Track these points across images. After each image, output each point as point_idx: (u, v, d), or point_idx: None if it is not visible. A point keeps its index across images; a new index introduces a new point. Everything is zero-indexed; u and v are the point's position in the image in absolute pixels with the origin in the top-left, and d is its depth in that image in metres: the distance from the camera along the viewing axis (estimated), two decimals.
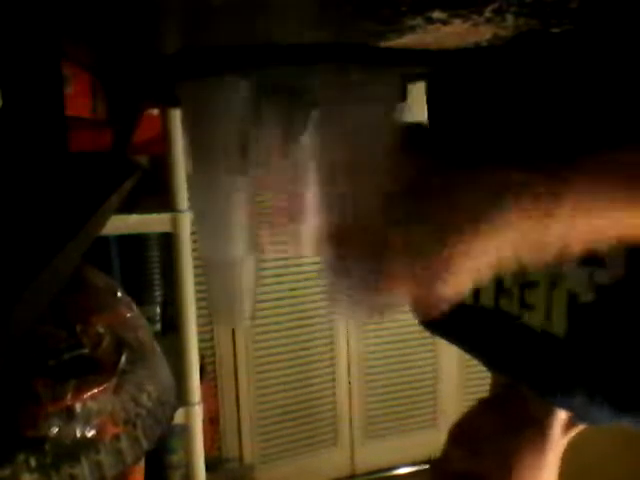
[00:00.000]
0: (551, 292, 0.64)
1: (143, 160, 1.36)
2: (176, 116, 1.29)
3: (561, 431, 0.70)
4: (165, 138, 1.28)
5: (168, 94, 1.04)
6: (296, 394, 2.33)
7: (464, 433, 0.73)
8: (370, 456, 2.44)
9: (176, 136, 1.28)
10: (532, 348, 0.68)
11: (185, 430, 1.33)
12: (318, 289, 2.27)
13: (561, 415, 0.70)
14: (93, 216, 0.47)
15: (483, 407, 0.75)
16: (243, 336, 2.24)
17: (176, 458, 1.70)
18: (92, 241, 0.48)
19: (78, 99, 0.60)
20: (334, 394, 2.40)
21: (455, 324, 0.76)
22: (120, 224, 1.22)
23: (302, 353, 2.32)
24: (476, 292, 0.71)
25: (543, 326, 0.65)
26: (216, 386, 2.22)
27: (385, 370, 2.44)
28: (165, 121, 1.28)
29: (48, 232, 0.40)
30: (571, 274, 0.62)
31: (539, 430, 0.69)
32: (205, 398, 1.43)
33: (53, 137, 0.52)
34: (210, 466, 1.49)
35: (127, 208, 1.17)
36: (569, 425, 0.70)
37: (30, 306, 0.28)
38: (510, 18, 0.48)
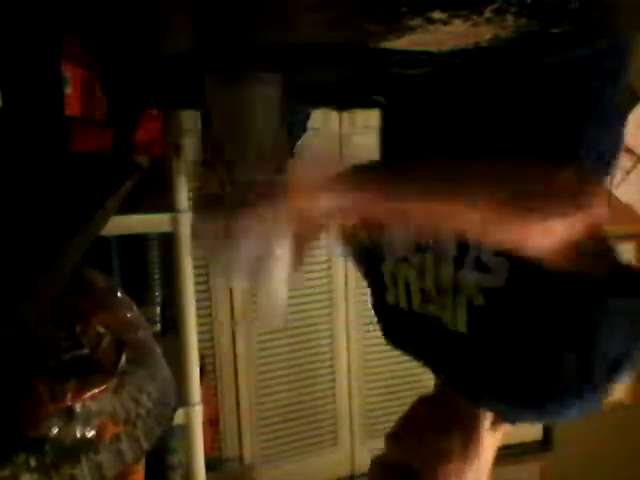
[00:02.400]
0: (455, 297, 0.72)
1: (144, 160, 1.35)
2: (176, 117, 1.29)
3: (490, 427, 0.73)
4: (165, 139, 1.28)
5: (169, 95, 1.03)
6: (296, 394, 2.33)
7: (401, 427, 0.78)
8: (370, 456, 2.43)
9: (176, 137, 1.28)
10: (452, 349, 0.74)
11: (185, 430, 1.33)
12: (318, 289, 2.27)
13: (488, 412, 0.73)
14: (93, 216, 0.48)
15: (421, 404, 0.79)
16: (243, 336, 2.24)
17: (176, 458, 1.70)
18: (92, 241, 0.48)
19: (78, 99, 0.60)
20: (334, 394, 2.40)
21: (398, 331, 0.84)
22: (120, 224, 1.21)
23: (302, 353, 2.32)
24: (408, 299, 0.79)
25: (451, 327, 0.73)
26: (216, 386, 2.22)
27: (385, 370, 2.44)
28: (165, 122, 1.28)
29: (49, 232, 0.40)
30: (466, 280, 0.70)
31: (468, 426, 0.73)
32: (205, 398, 1.43)
33: (53, 137, 0.52)
34: (210, 466, 1.49)
35: (127, 208, 1.17)
36: (497, 422, 0.74)
37: (32, 306, 0.28)
38: (510, 18, 0.48)
